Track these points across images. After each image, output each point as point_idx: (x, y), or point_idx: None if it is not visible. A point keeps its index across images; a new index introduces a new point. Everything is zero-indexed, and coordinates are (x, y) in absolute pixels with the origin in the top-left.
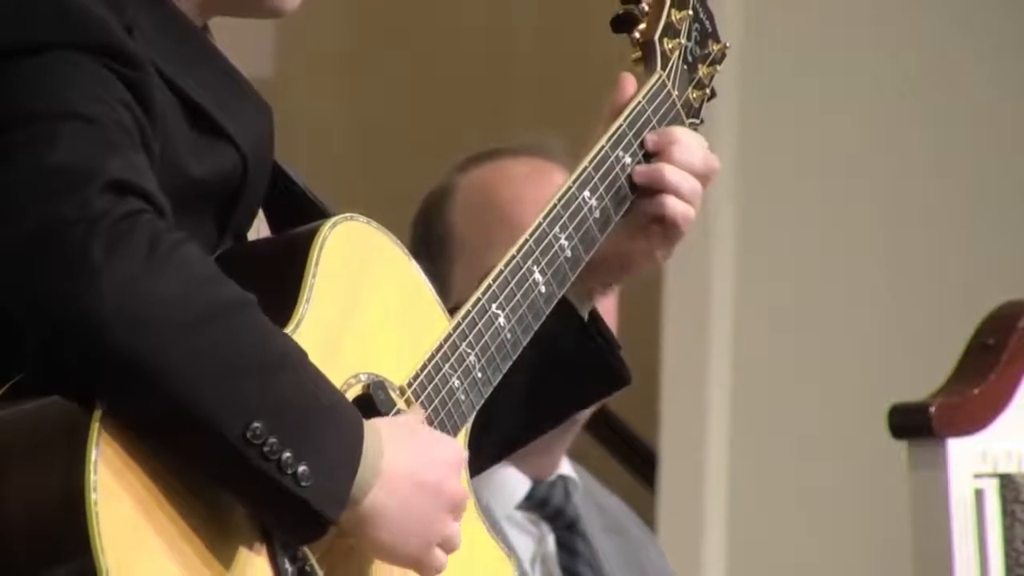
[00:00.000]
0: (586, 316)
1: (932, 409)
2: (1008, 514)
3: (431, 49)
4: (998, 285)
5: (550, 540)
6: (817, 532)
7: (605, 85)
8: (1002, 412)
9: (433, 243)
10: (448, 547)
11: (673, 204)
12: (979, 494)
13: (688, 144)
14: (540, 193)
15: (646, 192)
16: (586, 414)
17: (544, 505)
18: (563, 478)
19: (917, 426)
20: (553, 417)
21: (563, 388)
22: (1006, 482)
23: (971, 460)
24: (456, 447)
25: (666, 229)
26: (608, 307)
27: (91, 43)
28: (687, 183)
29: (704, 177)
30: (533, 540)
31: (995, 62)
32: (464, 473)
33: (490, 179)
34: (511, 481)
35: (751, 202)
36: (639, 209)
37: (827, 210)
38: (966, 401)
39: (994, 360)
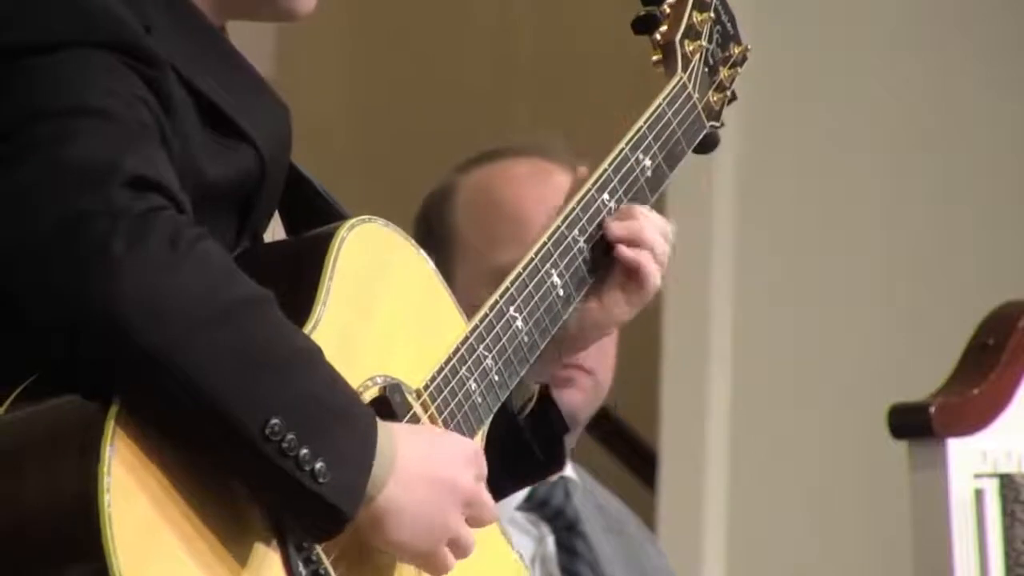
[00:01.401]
0: (533, 396)
1: (932, 409)
2: (1008, 514)
3: (432, 49)
4: (998, 285)
5: (550, 541)
6: (817, 532)
7: (605, 85)
8: (1002, 412)
9: (435, 244)
10: (458, 548)
11: (648, 259)
12: (979, 494)
13: (651, 221)
14: (542, 193)
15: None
16: (588, 413)
17: (544, 506)
18: (563, 479)
19: (917, 426)
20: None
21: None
22: (1006, 482)
23: (971, 460)
24: (468, 444)
25: (632, 286)
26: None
27: (109, 40)
28: (660, 244)
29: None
30: (533, 541)
31: (996, 62)
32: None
33: (492, 179)
34: None
35: (751, 202)
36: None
37: (827, 210)
38: (966, 401)
39: (994, 360)
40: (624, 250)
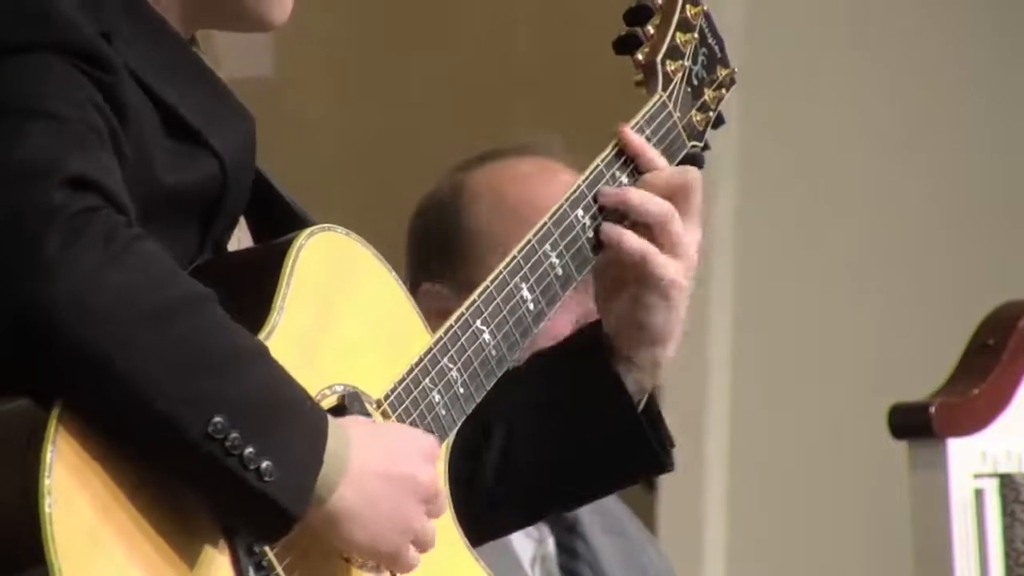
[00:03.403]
0: (642, 401)
1: (932, 409)
2: (1008, 514)
3: (431, 49)
4: (998, 285)
5: (550, 542)
6: (817, 532)
7: (604, 86)
8: (1002, 412)
9: (441, 245)
10: (420, 544)
11: (628, 239)
12: (979, 494)
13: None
14: (552, 191)
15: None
16: None
17: None
18: None
19: (917, 426)
20: (586, 495)
21: (601, 470)
22: (1006, 482)
23: (971, 460)
24: (427, 438)
25: (628, 271)
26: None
27: (63, 45)
28: (651, 206)
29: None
30: (533, 542)
31: (995, 62)
32: (443, 485)
33: (505, 177)
34: None
35: (751, 202)
36: (601, 265)
37: (827, 210)
38: (966, 401)
39: (994, 360)
40: (619, 256)
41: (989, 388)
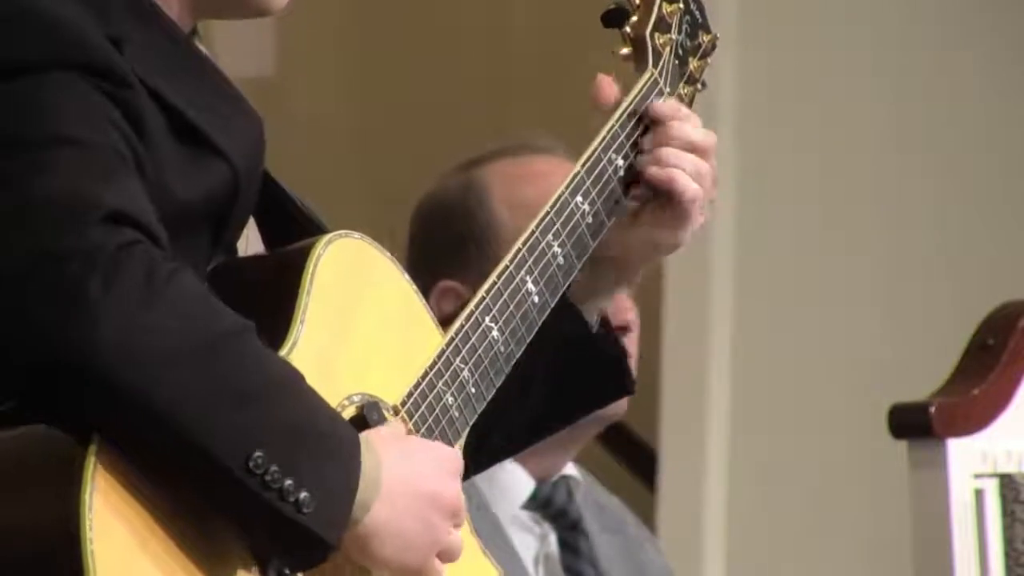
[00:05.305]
0: (595, 321)
1: (932, 409)
2: (1008, 514)
3: (432, 49)
4: (998, 285)
5: (552, 540)
6: (817, 532)
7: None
8: (1002, 412)
9: (466, 244)
10: (448, 556)
11: (680, 178)
12: (979, 494)
13: (686, 117)
14: None
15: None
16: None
17: (548, 506)
18: (565, 478)
19: (917, 426)
20: (556, 422)
21: (566, 393)
22: (1006, 482)
23: (971, 460)
24: (451, 452)
25: (673, 209)
26: (631, 340)
27: (79, 62)
28: (690, 160)
29: (704, 151)
30: (536, 539)
31: (995, 63)
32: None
33: (523, 174)
34: (516, 481)
35: (751, 202)
36: (642, 192)
37: (827, 210)
38: (966, 401)
39: (994, 360)
40: (653, 169)
41: (989, 388)
